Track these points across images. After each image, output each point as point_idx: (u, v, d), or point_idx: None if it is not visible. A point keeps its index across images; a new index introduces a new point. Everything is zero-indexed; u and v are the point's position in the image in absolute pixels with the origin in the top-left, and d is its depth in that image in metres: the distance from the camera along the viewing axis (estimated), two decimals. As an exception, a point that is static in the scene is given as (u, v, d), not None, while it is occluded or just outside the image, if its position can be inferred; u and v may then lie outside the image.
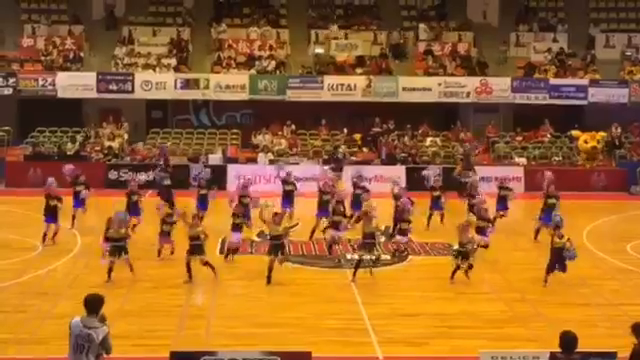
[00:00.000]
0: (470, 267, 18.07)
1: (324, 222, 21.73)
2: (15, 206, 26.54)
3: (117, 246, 17.65)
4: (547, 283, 17.76)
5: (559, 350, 9.66)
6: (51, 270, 18.79)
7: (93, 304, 9.48)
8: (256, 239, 21.69)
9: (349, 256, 20.30)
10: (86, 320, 9.39)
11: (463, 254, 17.99)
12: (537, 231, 21.98)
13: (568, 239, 17.68)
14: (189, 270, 17.61)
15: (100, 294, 9.72)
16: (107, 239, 17.81)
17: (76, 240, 21.64)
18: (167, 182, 25.69)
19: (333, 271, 19.34)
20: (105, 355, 9.49)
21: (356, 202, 22.90)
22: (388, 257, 20.35)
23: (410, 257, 20.51)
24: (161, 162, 27.83)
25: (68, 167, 24.05)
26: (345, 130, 34.30)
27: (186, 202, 23.33)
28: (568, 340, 9.61)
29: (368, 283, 17.93)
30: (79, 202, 22.90)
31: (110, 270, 17.54)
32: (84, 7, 38.70)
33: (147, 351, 13.48)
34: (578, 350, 9.69)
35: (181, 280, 17.67)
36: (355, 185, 23.72)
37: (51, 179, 22.24)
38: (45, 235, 21.00)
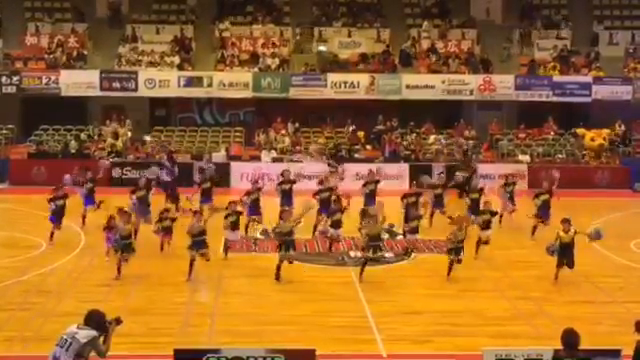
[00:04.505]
0: (459, 262, 18.04)
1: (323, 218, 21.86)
2: (19, 204, 26.59)
3: (125, 244, 17.76)
4: (557, 279, 17.73)
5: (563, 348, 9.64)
6: (55, 268, 18.81)
7: (90, 319, 9.56)
8: (259, 237, 21.68)
9: (352, 254, 20.33)
10: (81, 325, 9.52)
11: (456, 250, 17.99)
12: (534, 228, 22.07)
13: (575, 231, 17.71)
14: (192, 267, 17.64)
15: (101, 311, 9.73)
16: (118, 236, 17.89)
17: (80, 238, 21.64)
18: (166, 178, 25.58)
19: (337, 269, 19.35)
20: (100, 357, 9.58)
21: (371, 198, 23.03)
22: (391, 255, 20.34)
23: (414, 255, 20.50)
24: (164, 160, 27.75)
25: (103, 162, 24.21)
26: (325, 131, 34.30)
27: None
28: (569, 338, 9.59)
29: (372, 281, 17.92)
30: (90, 200, 22.79)
31: (119, 267, 17.64)
32: (87, 5, 38.70)
33: (151, 349, 13.49)
34: (582, 348, 9.67)
35: (184, 277, 17.68)
36: (367, 182, 23.71)
37: (68, 177, 22.30)
38: (52, 234, 21.00)
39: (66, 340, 9.40)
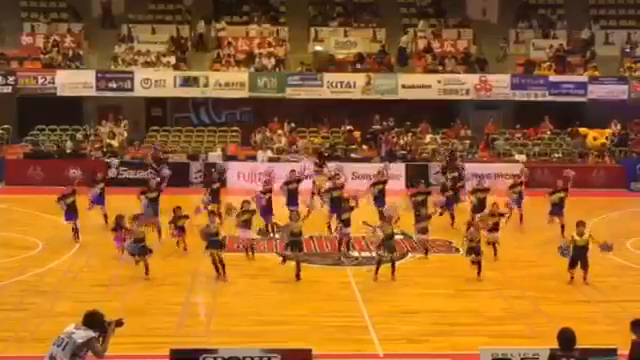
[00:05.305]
0: (478, 263, 18.05)
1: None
2: (15, 204, 26.56)
3: (143, 246, 17.86)
4: (572, 279, 17.74)
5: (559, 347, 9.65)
6: (51, 268, 18.79)
7: (89, 319, 9.57)
8: (256, 237, 21.65)
9: (351, 254, 20.33)
10: (79, 325, 9.52)
11: (475, 250, 18.03)
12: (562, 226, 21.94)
13: (590, 235, 17.77)
14: (215, 265, 17.72)
15: (99, 311, 9.72)
16: (131, 241, 17.95)
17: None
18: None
19: (334, 268, 19.36)
20: (97, 357, 9.58)
21: (381, 199, 22.99)
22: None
23: (410, 254, 20.50)
24: (152, 162, 27.65)
25: (114, 161, 24.22)
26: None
27: (188, 199, 23.42)
28: (566, 337, 9.59)
29: (369, 281, 17.93)
30: (99, 199, 22.75)
31: (146, 267, 17.75)
32: (83, 5, 38.71)
33: (147, 349, 13.48)
34: (578, 347, 9.68)
35: (182, 278, 17.72)
36: (375, 183, 23.69)
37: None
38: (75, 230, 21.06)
39: (63, 339, 9.42)
